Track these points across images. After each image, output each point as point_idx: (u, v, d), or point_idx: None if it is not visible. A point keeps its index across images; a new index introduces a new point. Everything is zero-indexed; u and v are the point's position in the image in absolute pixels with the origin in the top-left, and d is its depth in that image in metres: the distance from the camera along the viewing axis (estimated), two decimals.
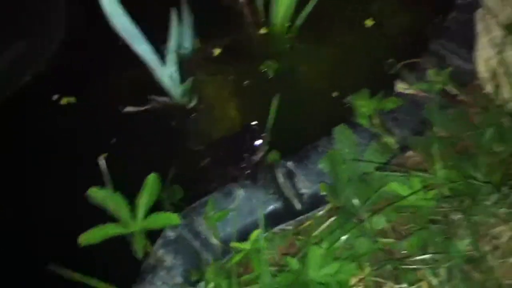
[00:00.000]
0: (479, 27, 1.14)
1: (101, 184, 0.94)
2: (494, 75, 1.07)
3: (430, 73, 1.10)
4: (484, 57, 1.10)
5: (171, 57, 1.13)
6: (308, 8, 1.24)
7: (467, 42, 1.17)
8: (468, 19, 1.19)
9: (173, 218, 0.90)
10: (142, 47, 1.11)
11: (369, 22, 1.28)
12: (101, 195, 0.91)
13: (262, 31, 1.29)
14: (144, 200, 0.90)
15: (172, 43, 1.12)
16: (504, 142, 0.94)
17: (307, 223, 1.05)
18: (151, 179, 0.91)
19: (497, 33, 1.09)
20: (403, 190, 0.93)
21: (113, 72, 1.24)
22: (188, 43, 1.22)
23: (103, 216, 0.91)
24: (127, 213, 0.90)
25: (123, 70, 1.19)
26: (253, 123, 1.20)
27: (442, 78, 1.08)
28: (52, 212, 1.12)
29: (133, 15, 1.08)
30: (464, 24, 1.18)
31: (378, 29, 1.27)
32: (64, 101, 1.23)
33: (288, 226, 1.06)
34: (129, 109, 1.20)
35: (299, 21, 1.26)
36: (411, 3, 1.30)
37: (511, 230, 0.85)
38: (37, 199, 1.15)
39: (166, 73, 1.14)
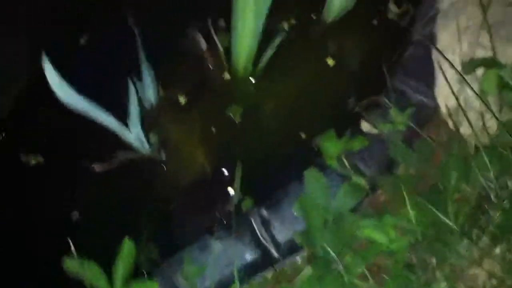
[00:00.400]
0: (436, 64, 1.17)
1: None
2: (453, 112, 1.10)
3: (393, 112, 1.13)
4: (443, 94, 1.12)
5: (134, 121, 1.13)
6: (270, 51, 1.24)
7: (427, 77, 1.20)
8: (425, 55, 1.22)
9: (151, 285, 0.90)
10: (104, 119, 1.12)
11: (330, 61, 1.29)
12: (76, 265, 0.90)
13: (226, 75, 1.29)
14: (120, 269, 0.88)
15: (132, 109, 1.13)
16: (469, 182, 0.96)
17: (286, 269, 1.06)
18: (126, 246, 0.90)
19: (453, 70, 1.12)
20: (377, 236, 0.94)
21: (81, 128, 1.22)
22: (152, 94, 1.21)
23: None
24: (105, 283, 0.88)
25: (91, 125, 1.17)
26: (224, 169, 1.20)
27: (405, 117, 1.10)
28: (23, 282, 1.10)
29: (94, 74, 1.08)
30: (422, 60, 1.21)
31: (340, 67, 1.29)
32: (33, 161, 1.21)
33: (267, 273, 1.06)
34: (99, 167, 1.18)
35: (261, 63, 1.26)
36: (369, 40, 1.32)
37: (485, 272, 0.87)
38: (8, 267, 1.12)
39: (132, 137, 1.15)
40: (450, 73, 1.14)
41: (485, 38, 1.09)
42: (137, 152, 1.19)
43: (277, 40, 1.23)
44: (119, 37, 1.27)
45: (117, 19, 1.30)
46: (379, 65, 1.30)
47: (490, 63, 0.98)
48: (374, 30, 1.31)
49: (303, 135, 1.23)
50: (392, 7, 1.33)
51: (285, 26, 1.32)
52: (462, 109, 1.07)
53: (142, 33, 1.25)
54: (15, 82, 1.24)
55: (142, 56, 1.19)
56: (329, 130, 1.18)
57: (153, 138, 1.19)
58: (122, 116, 1.14)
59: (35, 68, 1.22)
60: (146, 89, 1.20)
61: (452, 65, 1.13)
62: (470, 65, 1.01)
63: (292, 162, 1.19)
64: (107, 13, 1.30)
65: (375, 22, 1.33)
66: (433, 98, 1.18)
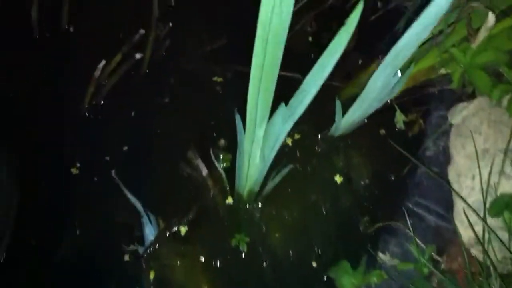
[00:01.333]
0: (454, 187, 1.10)
1: None
2: (477, 240, 1.02)
3: (413, 249, 1.05)
4: (465, 221, 1.05)
5: None
6: (277, 177, 1.14)
7: (443, 199, 1.13)
8: (439, 174, 1.15)
9: None
10: None
11: (338, 179, 1.22)
12: None
13: (228, 201, 1.20)
14: None
15: None
16: None
17: None
18: None
19: (475, 197, 1.05)
20: None
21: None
22: (151, 231, 1.13)
23: None
24: None
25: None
26: None
27: (426, 255, 1.02)
28: None
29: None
30: (436, 179, 1.14)
31: (348, 186, 1.22)
32: None
33: None
34: None
35: (268, 187, 1.17)
36: (377, 153, 1.26)
37: None
38: None
39: None
40: (470, 201, 1.07)
41: (508, 166, 1.03)
42: None
43: (286, 170, 1.14)
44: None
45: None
46: (390, 181, 1.23)
47: None
48: (382, 142, 1.24)
49: (315, 263, 1.15)
50: (399, 116, 1.27)
51: (289, 141, 1.25)
52: (483, 244, 1.00)
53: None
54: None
55: (138, 205, 1.14)
56: (343, 261, 1.11)
57: (152, 278, 1.10)
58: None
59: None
60: (145, 227, 1.12)
61: (472, 191, 1.07)
62: (495, 208, 0.94)
63: None
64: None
65: (382, 132, 1.27)
66: (451, 221, 1.11)
